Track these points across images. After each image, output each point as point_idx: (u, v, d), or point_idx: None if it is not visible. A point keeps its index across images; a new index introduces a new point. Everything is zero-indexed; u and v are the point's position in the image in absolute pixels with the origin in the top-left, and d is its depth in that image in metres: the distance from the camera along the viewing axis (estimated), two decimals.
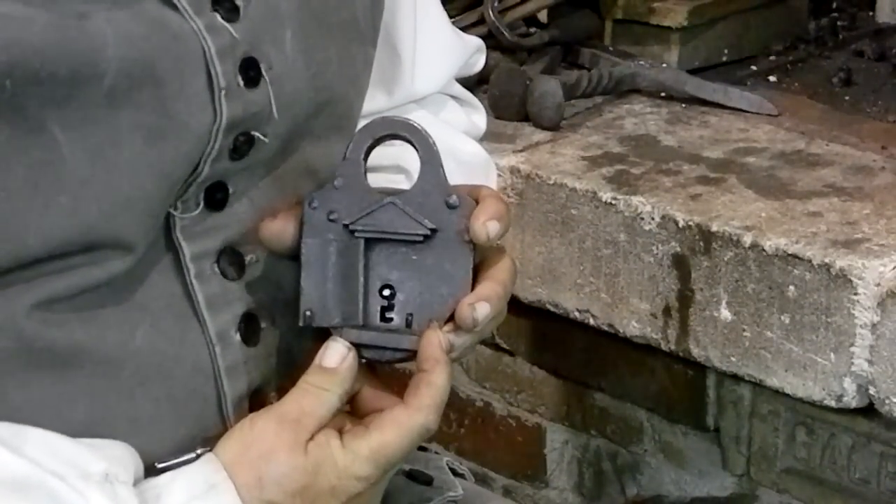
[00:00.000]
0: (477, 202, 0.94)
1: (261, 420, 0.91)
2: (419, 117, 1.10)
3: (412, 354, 0.94)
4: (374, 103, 1.09)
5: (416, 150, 0.94)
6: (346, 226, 0.93)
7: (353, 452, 0.91)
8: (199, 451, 0.90)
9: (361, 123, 0.99)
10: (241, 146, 0.91)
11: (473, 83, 1.63)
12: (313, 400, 0.91)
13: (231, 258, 0.94)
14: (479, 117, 1.23)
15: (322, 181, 0.96)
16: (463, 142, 1.16)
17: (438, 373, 0.92)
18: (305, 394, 0.92)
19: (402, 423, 0.92)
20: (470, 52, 1.21)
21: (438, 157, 0.93)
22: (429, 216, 0.93)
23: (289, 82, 0.92)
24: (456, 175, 0.99)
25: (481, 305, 0.93)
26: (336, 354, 0.92)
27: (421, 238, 0.93)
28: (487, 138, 1.53)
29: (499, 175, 1.51)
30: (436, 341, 0.92)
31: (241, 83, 0.89)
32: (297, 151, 0.96)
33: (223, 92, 0.88)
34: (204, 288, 0.92)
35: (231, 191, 0.92)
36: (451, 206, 0.93)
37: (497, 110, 1.63)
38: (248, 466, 0.89)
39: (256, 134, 0.91)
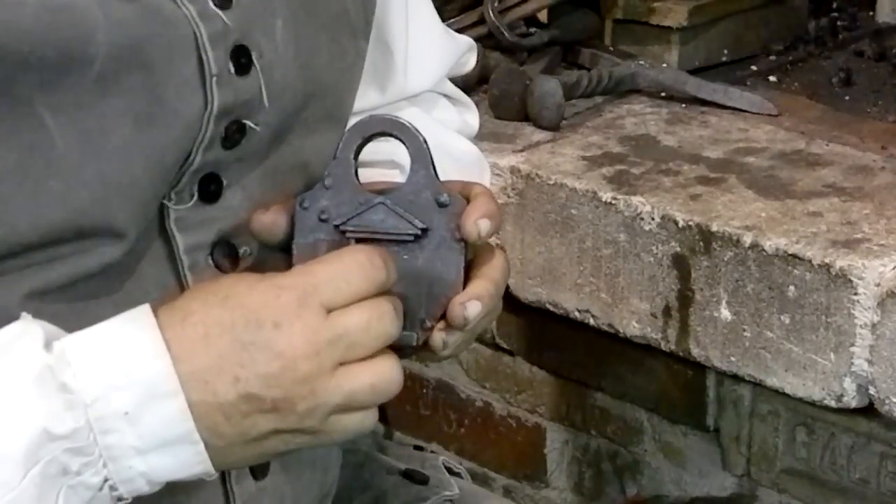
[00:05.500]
0: (468, 199, 0.94)
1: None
2: (412, 115, 1.10)
3: (404, 351, 0.94)
4: (367, 100, 1.10)
5: (407, 148, 0.94)
6: (337, 226, 0.93)
7: None
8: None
9: (354, 121, 0.99)
10: (233, 135, 0.91)
11: (473, 83, 1.63)
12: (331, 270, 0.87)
13: (225, 250, 0.94)
14: (471, 116, 1.23)
15: (314, 174, 0.96)
16: (456, 139, 1.16)
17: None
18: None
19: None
20: (461, 51, 1.21)
21: (429, 155, 0.94)
22: (419, 215, 0.93)
23: (279, 71, 0.93)
24: (450, 172, 0.99)
25: (472, 304, 0.93)
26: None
27: (412, 238, 0.93)
28: (487, 138, 1.53)
29: (499, 175, 1.51)
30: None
31: (233, 70, 0.89)
32: (288, 143, 0.96)
33: (214, 78, 0.88)
34: (197, 280, 0.92)
35: (224, 182, 0.92)
36: (441, 205, 0.93)
37: (497, 110, 1.63)
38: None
39: (248, 123, 0.91)
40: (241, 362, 0.83)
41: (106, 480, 0.82)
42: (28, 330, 0.82)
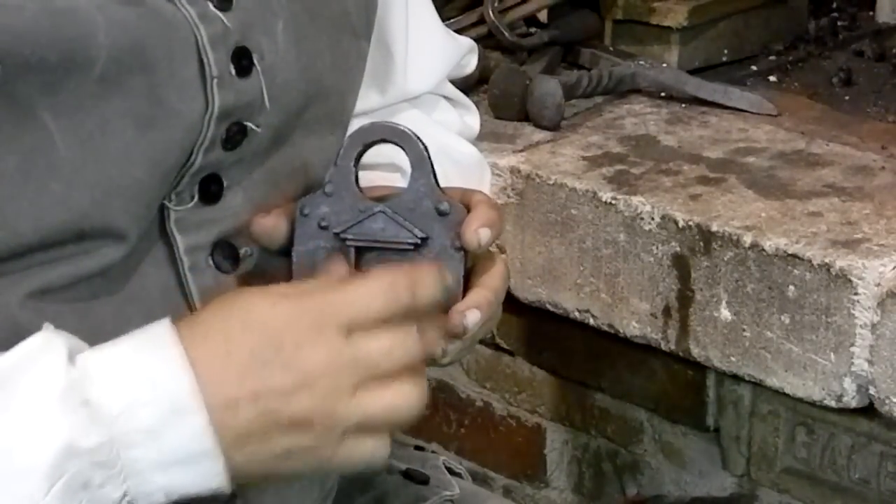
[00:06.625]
0: (469, 207, 0.94)
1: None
2: (412, 117, 1.10)
3: None
4: (367, 102, 1.10)
5: (407, 155, 0.94)
6: (336, 234, 0.93)
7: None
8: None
9: (355, 122, 0.99)
10: (234, 136, 0.91)
11: (473, 83, 1.63)
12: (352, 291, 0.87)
13: (225, 251, 0.94)
14: (472, 118, 1.23)
15: (315, 175, 0.96)
16: (457, 141, 1.16)
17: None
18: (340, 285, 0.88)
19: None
20: (462, 52, 1.21)
21: (429, 162, 0.94)
22: (419, 224, 0.93)
23: (280, 73, 0.93)
24: (451, 175, 0.99)
25: (472, 313, 0.93)
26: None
27: (412, 246, 0.93)
28: (487, 138, 1.53)
29: (499, 175, 1.51)
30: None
31: (233, 72, 0.89)
32: (290, 144, 0.96)
33: (215, 80, 0.88)
34: (198, 280, 0.92)
35: (225, 183, 0.92)
36: (442, 213, 0.93)
37: (497, 110, 1.63)
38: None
39: (249, 124, 0.91)
40: (261, 379, 0.83)
41: (125, 494, 0.82)
42: (51, 343, 0.82)
